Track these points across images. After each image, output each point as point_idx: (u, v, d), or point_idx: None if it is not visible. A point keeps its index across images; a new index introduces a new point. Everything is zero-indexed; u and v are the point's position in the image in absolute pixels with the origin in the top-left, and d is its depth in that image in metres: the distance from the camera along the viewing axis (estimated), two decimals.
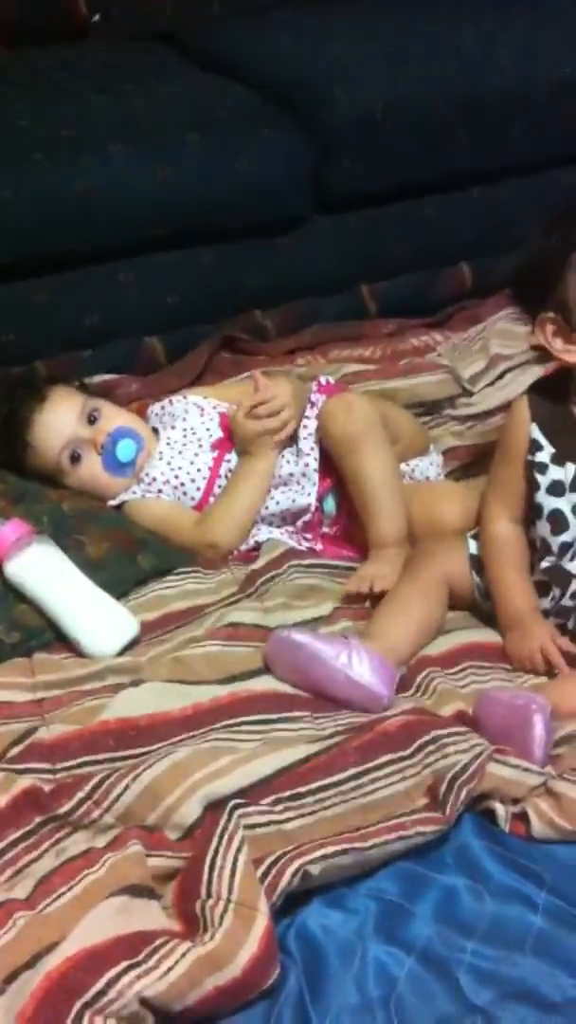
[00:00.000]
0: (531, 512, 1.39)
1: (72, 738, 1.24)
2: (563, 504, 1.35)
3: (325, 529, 1.61)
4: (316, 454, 1.59)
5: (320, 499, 1.60)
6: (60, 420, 1.61)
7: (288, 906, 1.08)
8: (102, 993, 0.93)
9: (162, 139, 1.92)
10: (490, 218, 2.22)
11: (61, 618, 1.40)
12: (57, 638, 1.41)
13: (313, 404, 1.62)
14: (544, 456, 1.36)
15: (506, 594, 1.39)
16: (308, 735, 1.25)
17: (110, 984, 0.94)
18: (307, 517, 1.59)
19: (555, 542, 1.36)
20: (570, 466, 1.35)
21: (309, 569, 1.52)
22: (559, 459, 1.35)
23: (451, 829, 1.15)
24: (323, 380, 1.73)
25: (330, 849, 1.08)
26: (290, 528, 1.60)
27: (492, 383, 1.92)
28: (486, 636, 1.42)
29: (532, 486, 1.37)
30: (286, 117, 2.02)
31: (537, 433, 1.36)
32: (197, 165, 1.91)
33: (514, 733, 1.20)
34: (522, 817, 1.17)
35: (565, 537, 1.35)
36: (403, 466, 1.64)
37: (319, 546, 1.60)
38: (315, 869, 1.07)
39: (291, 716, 1.29)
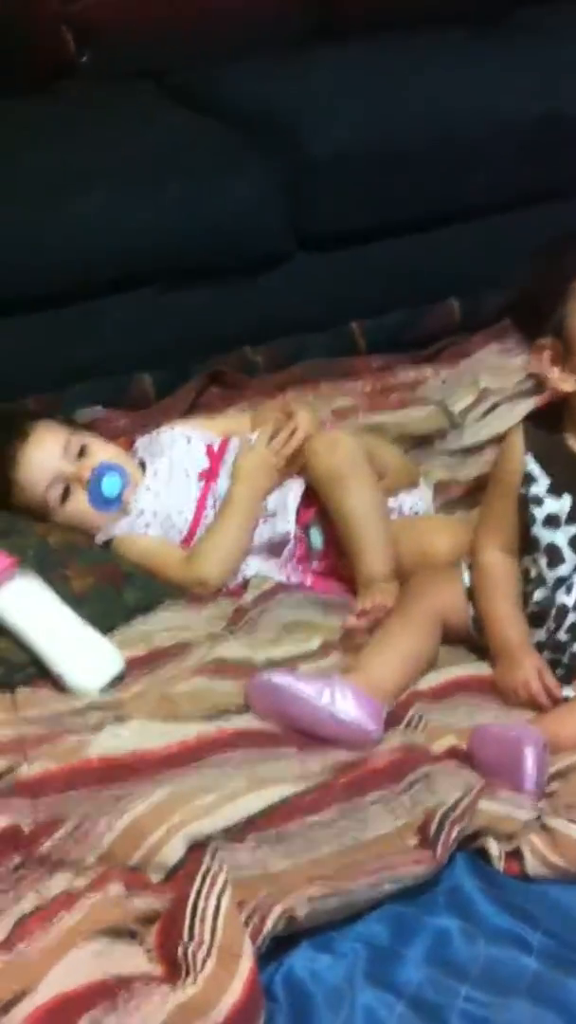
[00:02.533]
0: (524, 544, 1.37)
1: (54, 776, 1.21)
2: (559, 538, 1.33)
3: (314, 564, 1.59)
4: (299, 486, 1.57)
5: (304, 529, 1.58)
6: (44, 456, 1.60)
7: (275, 950, 1.05)
8: None
9: (143, 182, 1.94)
10: (477, 253, 2.22)
11: (44, 652, 1.37)
12: (40, 673, 1.38)
13: None
14: (539, 488, 1.34)
15: (496, 625, 1.37)
16: (295, 772, 1.23)
17: None
18: (290, 546, 1.57)
19: (550, 576, 1.34)
20: (567, 497, 1.33)
21: (298, 604, 1.50)
22: (556, 490, 1.33)
23: (443, 869, 1.12)
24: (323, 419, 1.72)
25: (317, 891, 1.05)
26: (278, 561, 1.58)
27: (482, 417, 1.91)
28: (480, 670, 1.39)
29: (527, 519, 1.35)
30: (266, 155, 2.05)
31: (532, 465, 1.35)
32: (177, 206, 1.94)
33: (505, 767, 1.17)
34: (516, 855, 1.13)
35: (561, 571, 1.34)
36: (391, 501, 1.63)
37: (308, 581, 1.57)
38: (301, 912, 1.04)
39: (278, 753, 1.26)
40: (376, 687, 1.30)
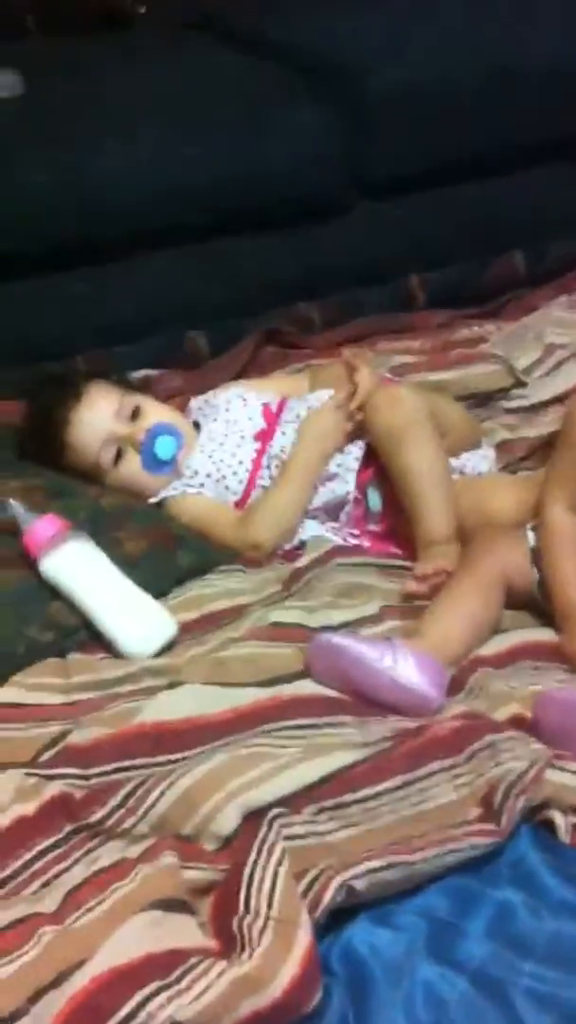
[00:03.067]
0: None
1: (106, 742, 1.18)
2: None
3: (372, 527, 1.55)
4: (360, 445, 1.53)
5: (362, 490, 1.54)
6: (97, 418, 1.57)
7: (332, 923, 1.02)
8: (131, 1016, 0.88)
9: (196, 122, 1.88)
10: (540, 201, 2.14)
11: (96, 617, 1.35)
12: (92, 638, 1.36)
13: None
14: None
15: (561, 586, 1.32)
16: (354, 741, 1.19)
17: (139, 1007, 0.88)
18: (348, 508, 1.53)
19: None
20: None
21: (355, 567, 1.47)
22: None
23: (507, 841, 1.08)
24: (385, 375, 1.68)
25: (376, 863, 1.02)
26: (335, 524, 1.54)
27: (547, 373, 1.85)
28: (545, 635, 1.35)
29: None
30: (322, 98, 1.97)
31: None
32: (231, 148, 1.88)
33: (570, 734, 1.13)
34: None
35: None
36: (453, 461, 1.58)
37: (366, 543, 1.54)
38: (360, 884, 1.01)
39: (336, 721, 1.23)
40: (439, 652, 1.26)
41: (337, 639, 1.25)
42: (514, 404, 1.82)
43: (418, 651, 1.24)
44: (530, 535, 1.38)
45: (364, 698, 1.23)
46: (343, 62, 2.02)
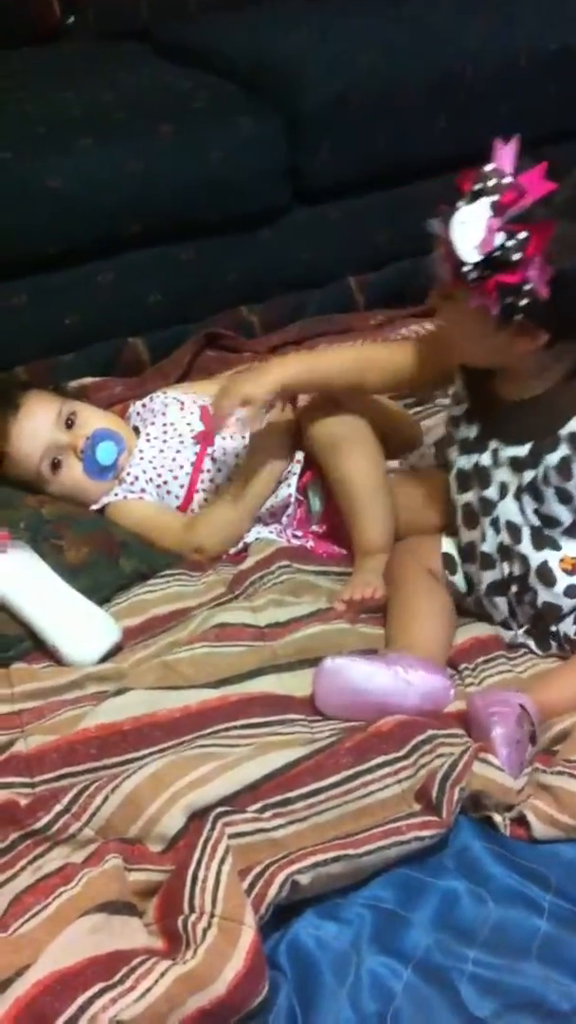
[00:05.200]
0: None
1: (50, 749, 1.19)
2: (466, 463, 1.33)
3: (314, 527, 1.56)
4: (300, 452, 1.55)
5: (303, 493, 1.55)
6: (36, 427, 1.56)
7: (279, 918, 1.03)
8: (74, 1019, 0.88)
9: (134, 132, 1.88)
10: None
11: (39, 626, 1.35)
12: (36, 647, 1.36)
13: None
14: (459, 411, 1.35)
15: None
16: (301, 738, 1.20)
17: (82, 1009, 0.88)
18: (290, 510, 1.54)
19: (458, 501, 1.35)
20: (474, 425, 1.32)
21: (300, 567, 1.47)
22: (470, 416, 1.33)
23: (450, 832, 1.10)
24: None
25: (321, 857, 1.03)
26: (278, 525, 1.55)
27: None
28: (476, 632, 1.37)
29: (449, 441, 1.36)
30: (260, 106, 1.98)
31: (461, 386, 1.34)
32: (170, 157, 1.88)
33: (485, 739, 1.15)
34: (522, 822, 1.11)
35: (467, 497, 1.34)
36: (394, 462, 1.59)
37: (310, 543, 1.54)
38: (305, 878, 1.02)
39: (285, 719, 1.24)
40: (428, 651, 1.29)
41: (341, 661, 1.25)
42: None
43: (415, 656, 1.26)
44: (444, 540, 1.40)
45: (382, 710, 1.21)
46: (279, 72, 2.03)
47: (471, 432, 1.32)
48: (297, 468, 1.55)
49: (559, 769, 1.14)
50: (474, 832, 1.11)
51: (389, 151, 2.05)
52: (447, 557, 1.39)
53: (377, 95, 2.01)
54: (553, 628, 1.31)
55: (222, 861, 1.01)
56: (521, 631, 1.34)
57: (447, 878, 1.08)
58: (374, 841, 1.06)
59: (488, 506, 1.31)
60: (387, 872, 1.07)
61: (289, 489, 1.54)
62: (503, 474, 1.29)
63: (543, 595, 1.30)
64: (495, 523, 1.31)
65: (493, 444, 1.30)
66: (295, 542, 1.54)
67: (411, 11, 2.19)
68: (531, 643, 1.34)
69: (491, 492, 1.30)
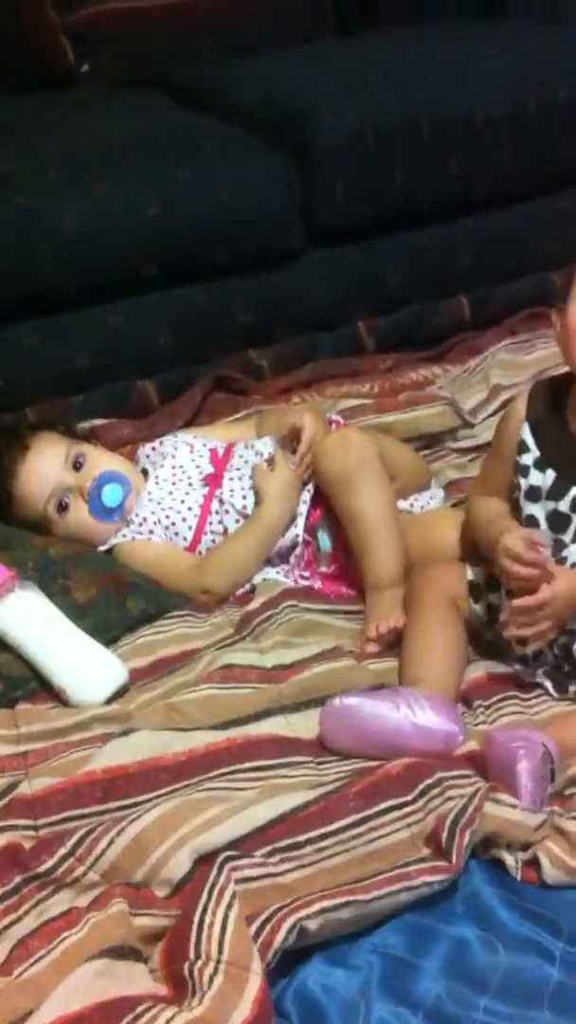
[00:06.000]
0: (514, 513, 1.34)
1: (55, 791, 1.18)
2: (537, 510, 1.31)
3: (322, 568, 1.56)
4: (309, 488, 1.55)
5: (311, 532, 1.55)
6: (44, 469, 1.57)
7: (286, 965, 1.01)
8: None
9: (148, 175, 1.90)
10: (486, 247, 2.18)
11: (46, 666, 1.35)
12: (42, 687, 1.35)
13: None
14: (528, 459, 1.32)
15: (493, 522, 1.34)
16: (309, 781, 1.19)
17: None
18: (298, 550, 1.54)
19: None
20: (551, 472, 1.30)
21: (307, 607, 1.47)
22: (542, 463, 1.31)
23: (460, 877, 1.08)
24: (333, 417, 1.70)
25: (329, 902, 1.02)
26: (285, 566, 1.55)
27: (493, 414, 1.87)
28: (490, 668, 1.36)
29: (516, 489, 1.34)
30: (273, 149, 2.01)
31: (527, 434, 1.33)
32: (183, 199, 1.89)
33: (505, 779, 1.13)
34: (534, 864, 1.10)
35: None
36: (403, 502, 1.59)
37: (317, 584, 1.54)
38: (313, 924, 1.00)
39: (292, 761, 1.23)
40: (442, 689, 1.27)
41: (348, 700, 1.23)
42: (462, 444, 1.84)
43: (427, 693, 1.24)
44: (468, 570, 1.39)
45: (389, 752, 1.20)
46: (291, 114, 2.06)
47: (546, 480, 1.30)
48: (304, 508, 1.55)
49: (574, 812, 1.12)
50: (484, 877, 1.10)
51: (400, 194, 2.07)
52: (472, 585, 1.38)
53: (388, 138, 2.03)
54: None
55: (229, 906, 1.00)
56: (541, 670, 1.33)
57: (457, 924, 1.06)
58: (383, 887, 1.04)
59: (560, 547, 1.29)
60: (396, 918, 1.05)
61: (297, 530, 1.54)
62: None
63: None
64: (561, 563, 1.29)
65: (574, 491, 1.28)
66: (303, 583, 1.53)
67: (421, 54, 2.21)
68: (548, 683, 1.32)
69: (567, 536, 1.29)
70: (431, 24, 2.41)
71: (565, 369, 1.32)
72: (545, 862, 1.08)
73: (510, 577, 1.27)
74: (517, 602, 1.26)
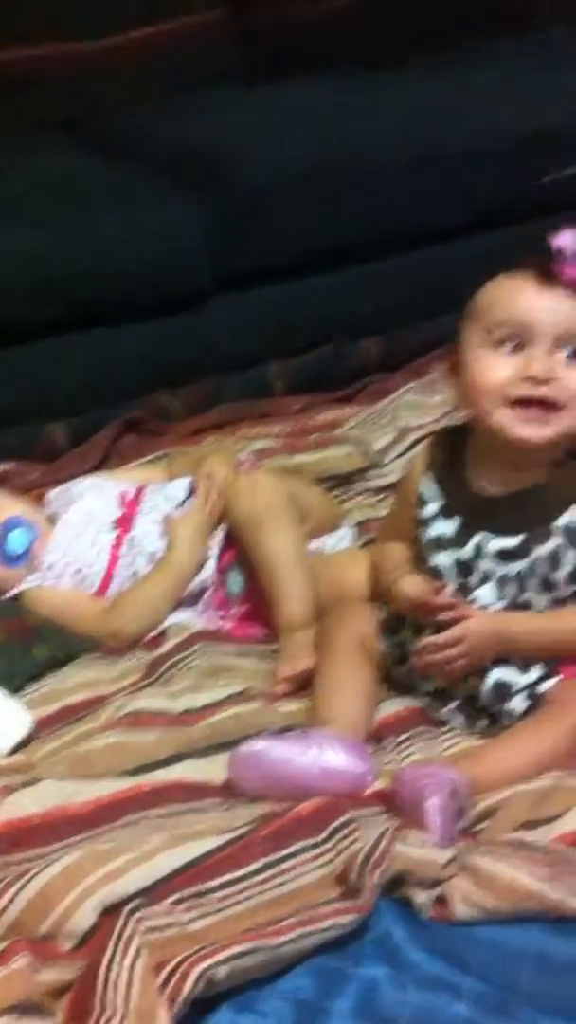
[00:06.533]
0: (419, 564, 1.35)
1: None
2: (442, 559, 1.32)
3: (234, 609, 1.56)
4: (222, 530, 1.55)
5: (223, 574, 1.55)
6: None
7: (196, 1014, 1.00)
8: None
9: (52, 220, 1.90)
10: (395, 291, 2.22)
11: None
12: None
13: None
14: (431, 509, 1.34)
15: (397, 568, 1.35)
16: (218, 826, 1.18)
17: None
18: (208, 592, 1.54)
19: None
20: (456, 520, 1.32)
21: (217, 650, 1.46)
22: (446, 511, 1.32)
23: (370, 917, 1.08)
24: (244, 458, 1.72)
25: (237, 949, 1.00)
26: (195, 608, 1.54)
27: (402, 454, 1.90)
28: (400, 706, 1.36)
29: (420, 540, 1.35)
30: (179, 192, 2.03)
31: (429, 484, 1.34)
32: (89, 243, 1.90)
33: (416, 815, 1.14)
34: (444, 901, 1.10)
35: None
36: (314, 543, 1.60)
37: (228, 626, 1.54)
38: (221, 972, 0.99)
39: (201, 807, 1.22)
40: (352, 729, 1.27)
41: (257, 744, 1.23)
42: (372, 484, 1.86)
43: (336, 733, 1.24)
44: (378, 609, 1.40)
45: (299, 795, 1.19)
46: (197, 159, 2.09)
47: (449, 528, 1.32)
48: (216, 551, 1.55)
49: (484, 849, 1.13)
50: (394, 916, 1.09)
51: (307, 238, 2.09)
52: (382, 624, 1.39)
53: (297, 183, 2.06)
54: (497, 707, 1.30)
55: (135, 957, 0.98)
56: (450, 707, 1.34)
57: (367, 965, 1.05)
58: (292, 930, 1.03)
59: (466, 591, 1.30)
60: (306, 961, 1.04)
61: (208, 572, 1.54)
62: (486, 564, 1.30)
63: (496, 674, 1.29)
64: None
65: (477, 538, 1.30)
66: (214, 625, 1.53)
67: (329, 101, 2.25)
68: (458, 719, 1.33)
69: (472, 580, 1.30)
70: (337, 71, 2.46)
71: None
72: (455, 899, 1.09)
73: (424, 616, 1.28)
74: (431, 638, 1.27)
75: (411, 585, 1.30)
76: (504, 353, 1.24)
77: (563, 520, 1.27)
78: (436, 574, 1.32)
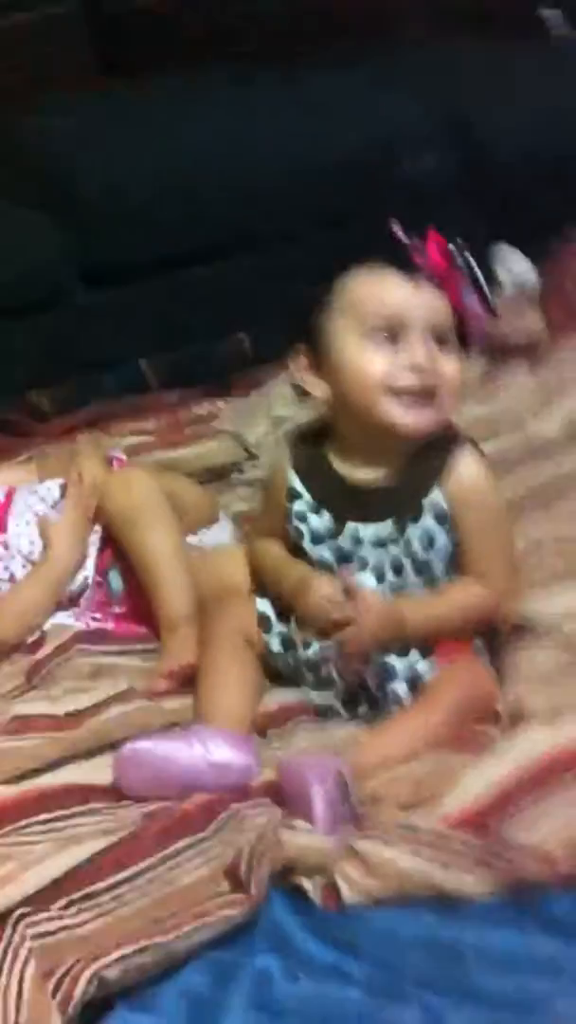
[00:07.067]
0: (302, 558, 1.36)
1: None
2: (324, 551, 1.34)
3: (115, 608, 1.55)
4: (97, 529, 1.54)
5: (103, 573, 1.53)
6: None
7: (92, 1016, 0.99)
8: None
9: None
10: (264, 284, 2.22)
11: None
12: None
13: None
14: (303, 505, 1.35)
15: (282, 568, 1.36)
16: (105, 828, 1.17)
17: None
18: (88, 592, 1.52)
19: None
20: (326, 514, 1.34)
21: (99, 650, 1.45)
22: (316, 507, 1.34)
23: (261, 909, 1.08)
24: (116, 455, 1.69)
25: (128, 949, 1.00)
26: (75, 610, 1.53)
27: (276, 445, 1.90)
28: (283, 697, 1.37)
29: (296, 535, 1.36)
30: (42, 193, 2.02)
31: (295, 481, 1.35)
32: None
33: (300, 804, 1.15)
34: (333, 888, 1.11)
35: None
36: (192, 538, 1.60)
37: (110, 625, 1.53)
38: (113, 972, 0.99)
39: (87, 810, 1.20)
40: (236, 722, 1.28)
41: (141, 744, 1.22)
42: (248, 476, 1.87)
43: (220, 728, 1.25)
44: (258, 601, 1.41)
45: (187, 791, 1.18)
46: (55, 161, 2.08)
47: (323, 522, 1.33)
48: (94, 550, 1.54)
49: (370, 835, 1.14)
50: (285, 905, 1.10)
51: (170, 236, 2.10)
52: (262, 617, 1.39)
53: (160, 178, 2.07)
54: (381, 692, 1.32)
55: (24, 965, 0.97)
56: (332, 693, 1.35)
57: (260, 956, 1.06)
58: (184, 926, 1.03)
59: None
60: (200, 956, 1.05)
61: (87, 572, 1.52)
62: (364, 551, 1.32)
63: (379, 659, 1.31)
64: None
65: (351, 528, 1.31)
66: (94, 625, 1.52)
67: (189, 109, 2.25)
68: (339, 706, 1.35)
69: (354, 568, 1.32)
70: (202, 76, 2.45)
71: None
72: (342, 884, 1.10)
73: (330, 622, 1.29)
74: (344, 633, 1.28)
75: (327, 587, 1.29)
76: (377, 345, 1.26)
77: (429, 500, 1.30)
78: (321, 567, 1.33)
